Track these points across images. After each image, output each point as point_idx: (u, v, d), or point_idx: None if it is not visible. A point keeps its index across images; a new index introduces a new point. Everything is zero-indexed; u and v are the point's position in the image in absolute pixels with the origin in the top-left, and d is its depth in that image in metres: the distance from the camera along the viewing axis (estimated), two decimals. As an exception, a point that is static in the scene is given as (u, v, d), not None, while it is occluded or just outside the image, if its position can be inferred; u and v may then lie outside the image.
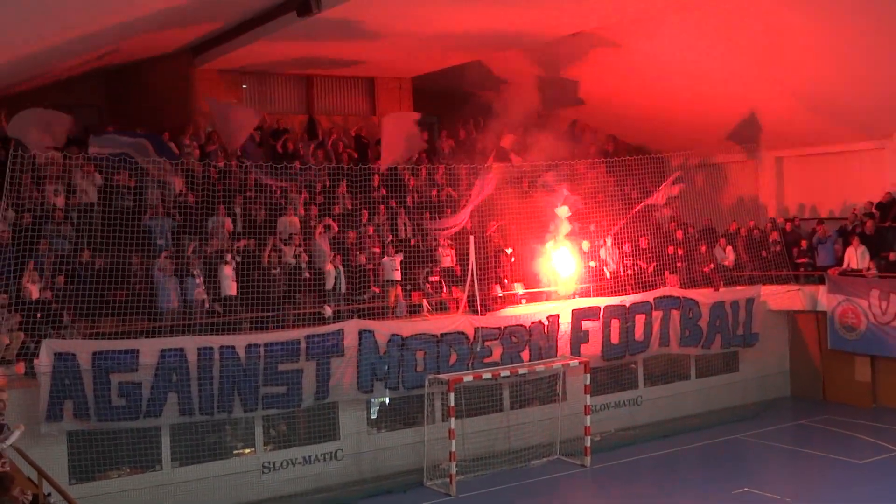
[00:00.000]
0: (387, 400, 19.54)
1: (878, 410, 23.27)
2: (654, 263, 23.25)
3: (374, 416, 19.54)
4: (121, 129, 21.05)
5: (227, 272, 18.48)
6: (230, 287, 18.48)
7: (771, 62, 21.91)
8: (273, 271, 18.91)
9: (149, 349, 16.39)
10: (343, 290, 19.65)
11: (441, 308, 20.69)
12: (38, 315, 16.04)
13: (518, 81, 25.02)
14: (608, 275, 22.66)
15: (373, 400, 19.26)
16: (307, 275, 19.45)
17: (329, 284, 19.45)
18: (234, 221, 19.87)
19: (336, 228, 20.54)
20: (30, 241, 16.51)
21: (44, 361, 15.48)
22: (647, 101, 25.49)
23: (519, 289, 21.99)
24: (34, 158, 17.77)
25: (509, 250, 22.27)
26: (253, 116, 22.42)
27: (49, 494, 10.35)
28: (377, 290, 20.16)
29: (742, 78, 22.75)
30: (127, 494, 16.47)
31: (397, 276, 20.23)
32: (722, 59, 22.18)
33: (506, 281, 21.79)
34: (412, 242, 21.70)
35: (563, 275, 22.14)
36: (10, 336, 15.53)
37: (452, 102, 26.05)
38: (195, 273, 18.02)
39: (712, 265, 23.95)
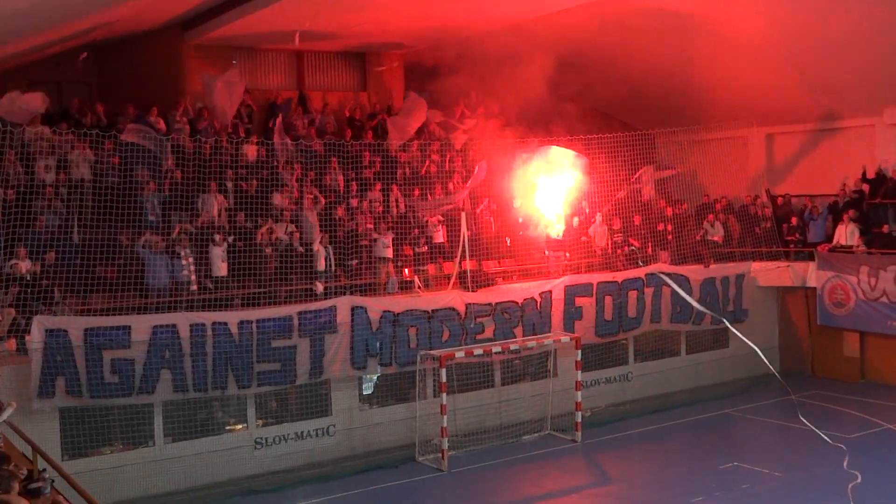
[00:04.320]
0: (376, 376, 19.57)
1: (865, 385, 23.51)
2: (650, 243, 23.25)
3: (365, 392, 19.59)
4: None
5: (218, 252, 18.35)
6: (220, 268, 18.36)
7: (768, 40, 21.88)
8: (266, 250, 18.82)
9: (141, 325, 16.34)
10: (333, 269, 19.57)
11: (430, 284, 20.67)
12: (29, 291, 15.95)
13: (506, 55, 24.80)
14: (597, 252, 22.68)
15: (364, 376, 19.30)
16: (300, 249, 19.36)
17: (319, 265, 19.31)
18: (226, 197, 19.75)
19: (323, 201, 20.44)
20: (16, 217, 16.30)
21: (35, 338, 15.40)
22: (637, 75, 25.36)
23: (509, 265, 21.99)
24: (23, 133, 17.56)
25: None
26: (237, 83, 22.03)
27: (44, 470, 10.34)
28: (354, 264, 20.06)
29: (738, 53, 22.69)
30: (120, 470, 16.48)
31: (389, 253, 20.19)
32: (718, 34, 22.10)
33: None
34: (401, 214, 21.59)
35: (548, 215, 22.23)
36: (1, 312, 15.45)
37: (444, 79, 25.85)
38: (182, 254, 17.87)
39: (698, 237, 23.95)
